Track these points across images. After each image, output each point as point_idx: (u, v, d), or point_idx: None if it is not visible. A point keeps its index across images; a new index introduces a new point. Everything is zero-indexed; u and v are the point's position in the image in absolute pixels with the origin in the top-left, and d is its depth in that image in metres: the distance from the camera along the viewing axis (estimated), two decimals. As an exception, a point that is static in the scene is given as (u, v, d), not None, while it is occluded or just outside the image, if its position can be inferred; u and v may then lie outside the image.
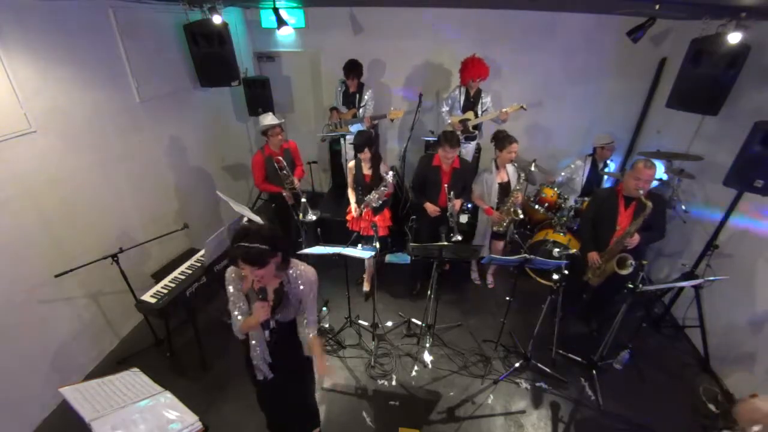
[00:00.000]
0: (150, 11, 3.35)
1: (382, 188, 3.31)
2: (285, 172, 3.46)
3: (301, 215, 3.47)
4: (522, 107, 3.88)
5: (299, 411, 2.39)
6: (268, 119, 3.45)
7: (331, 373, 1.97)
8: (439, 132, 3.95)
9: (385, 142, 5.26)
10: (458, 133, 4.03)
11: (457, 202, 3.36)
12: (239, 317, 1.81)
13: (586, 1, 3.52)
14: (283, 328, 1.89)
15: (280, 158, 3.44)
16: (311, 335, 1.92)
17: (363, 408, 2.84)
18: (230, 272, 1.82)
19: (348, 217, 3.63)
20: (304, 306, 1.89)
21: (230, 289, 1.82)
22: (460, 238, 3.19)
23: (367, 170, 3.44)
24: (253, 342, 1.91)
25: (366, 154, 3.32)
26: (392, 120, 4.27)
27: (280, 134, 3.48)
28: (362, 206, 3.43)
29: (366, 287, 3.98)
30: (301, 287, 1.84)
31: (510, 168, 3.48)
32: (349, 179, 3.55)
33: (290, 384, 2.17)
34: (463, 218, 3.89)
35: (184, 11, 3.43)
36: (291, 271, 1.83)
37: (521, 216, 3.45)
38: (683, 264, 3.54)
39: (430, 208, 3.41)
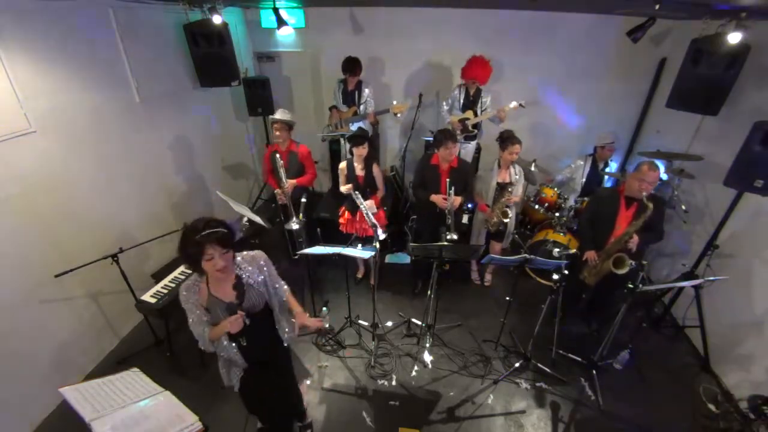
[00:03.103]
0: (150, 11, 3.35)
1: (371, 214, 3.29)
2: (279, 172, 3.37)
3: (294, 217, 3.41)
4: (521, 105, 3.87)
5: (284, 405, 2.38)
6: (278, 114, 3.46)
7: (309, 324, 2.03)
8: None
9: (385, 142, 5.26)
10: (458, 132, 4.04)
11: (457, 199, 3.26)
12: (205, 329, 1.79)
13: (586, 1, 3.52)
14: (257, 321, 1.87)
15: (277, 157, 3.34)
16: (287, 292, 2.04)
17: (363, 408, 2.84)
18: (182, 290, 1.80)
19: (341, 220, 3.59)
20: (270, 283, 1.92)
21: (188, 305, 1.79)
22: (455, 236, 3.15)
23: (359, 171, 3.40)
24: (223, 350, 1.90)
25: (363, 150, 3.26)
26: (396, 114, 4.17)
27: (280, 132, 3.44)
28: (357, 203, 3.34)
29: (359, 275, 4.12)
30: (255, 269, 1.88)
31: (512, 170, 3.47)
32: (341, 180, 3.46)
33: (271, 378, 2.15)
34: (464, 219, 3.87)
35: (184, 11, 3.43)
36: (239, 260, 1.87)
37: (509, 218, 3.43)
38: (683, 264, 3.55)
39: (437, 198, 3.31)
